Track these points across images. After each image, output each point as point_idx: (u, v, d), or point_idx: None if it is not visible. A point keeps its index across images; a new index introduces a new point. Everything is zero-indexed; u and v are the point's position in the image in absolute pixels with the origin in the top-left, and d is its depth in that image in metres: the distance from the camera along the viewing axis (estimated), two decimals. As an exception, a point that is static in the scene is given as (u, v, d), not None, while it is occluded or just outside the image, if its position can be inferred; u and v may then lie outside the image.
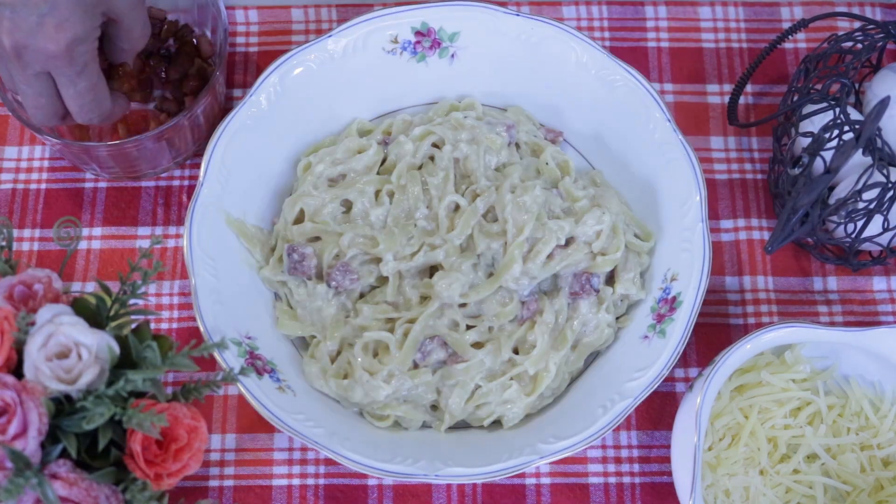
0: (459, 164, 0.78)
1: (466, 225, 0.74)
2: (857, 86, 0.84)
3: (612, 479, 0.75)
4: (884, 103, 0.70)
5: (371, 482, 0.75)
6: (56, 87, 0.71)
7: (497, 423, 0.74)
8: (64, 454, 0.54)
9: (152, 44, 0.85)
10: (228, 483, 0.75)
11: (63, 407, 0.54)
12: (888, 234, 0.76)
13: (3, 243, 0.62)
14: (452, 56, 0.82)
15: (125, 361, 0.56)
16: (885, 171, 0.73)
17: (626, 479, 0.75)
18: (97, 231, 0.82)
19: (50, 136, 0.77)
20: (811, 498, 0.71)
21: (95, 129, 0.83)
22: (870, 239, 0.75)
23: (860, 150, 0.73)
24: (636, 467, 0.75)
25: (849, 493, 0.72)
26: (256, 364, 0.72)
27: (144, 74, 0.85)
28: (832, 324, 0.79)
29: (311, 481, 0.75)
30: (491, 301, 0.74)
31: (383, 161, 0.80)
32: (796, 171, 0.77)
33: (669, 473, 0.74)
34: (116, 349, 0.55)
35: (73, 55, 0.68)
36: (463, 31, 0.81)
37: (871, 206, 0.72)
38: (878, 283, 0.81)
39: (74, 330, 0.54)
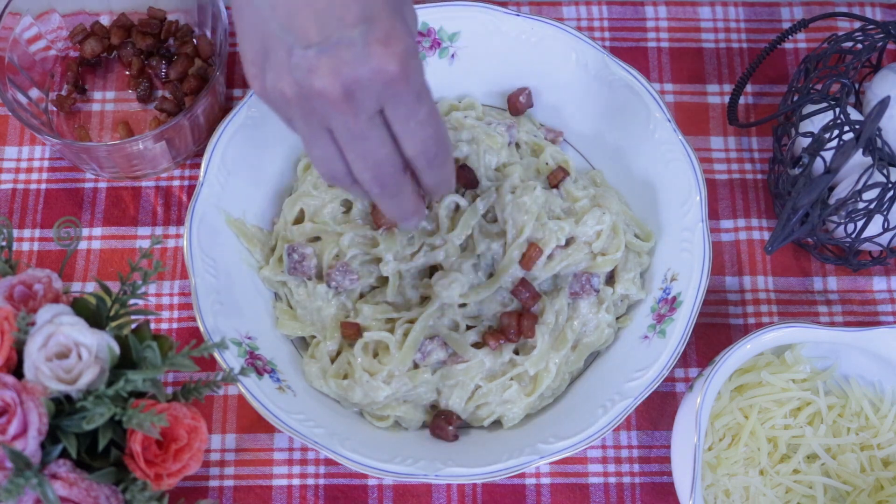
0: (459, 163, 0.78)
1: (466, 225, 0.74)
2: (857, 86, 0.84)
3: (612, 479, 0.75)
4: (884, 103, 0.70)
5: (371, 482, 0.75)
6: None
7: (497, 424, 0.74)
8: (64, 454, 0.54)
9: (152, 44, 0.86)
10: (228, 483, 0.75)
11: (63, 407, 0.54)
12: (888, 234, 0.76)
13: (3, 243, 0.62)
14: (452, 56, 0.82)
15: (125, 361, 0.56)
16: (885, 171, 0.73)
17: (626, 479, 0.75)
18: (97, 231, 0.82)
19: (50, 135, 0.77)
20: (811, 498, 0.71)
21: (96, 129, 0.83)
22: (870, 239, 0.75)
23: (860, 150, 0.73)
24: (636, 467, 0.75)
25: (849, 493, 0.72)
26: (256, 364, 0.72)
27: (145, 74, 0.86)
28: (832, 324, 0.79)
29: (311, 481, 0.75)
30: (491, 301, 0.74)
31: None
32: (796, 171, 0.77)
33: (669, 473, 0.74)
34: (116, 349, 0.55)
35: (408, 74, 0.54)
36: (463, 31, 0.81)
37: (871, 206, 0.72)
38: (878, 283, 0.81)
39: (74, 330, 0.54)
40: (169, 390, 0.58)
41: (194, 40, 0.86)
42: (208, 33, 0.85)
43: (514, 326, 0.72)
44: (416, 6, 0.80)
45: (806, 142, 0.77)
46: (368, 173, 0.58)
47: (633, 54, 0.87)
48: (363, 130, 0.56)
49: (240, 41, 0.58)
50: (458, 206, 0.76)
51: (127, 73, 0.87)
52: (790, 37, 0.83)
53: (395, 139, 0.57)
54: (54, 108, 0.84)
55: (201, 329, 0.71)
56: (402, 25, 0.54)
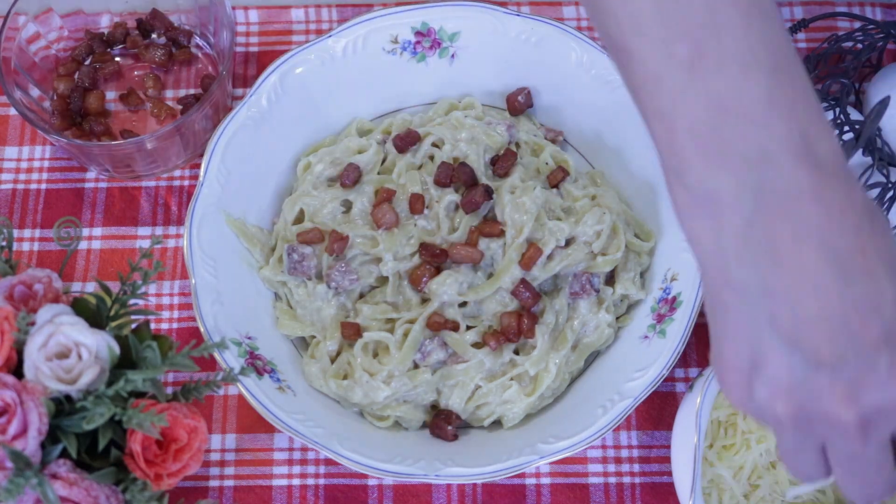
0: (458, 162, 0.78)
1: (467, 225, 0.74)
2: (857, 86, 0.84)
3: (612, 479, 0.75)
4: (884, 103, 0.70)
5: (371, 482, 0.75)
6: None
7: (497, 424, 0.74)
8: (64, 454, 0.54)
9: (154, 48, 0.86)
10: (228, 483, 0.75)
11: (63, 407, 0.54)
12: (888, 234, 0.76)
13: (3, 243, 0.62)
14: (452, 56, 0.82)
15: (125, 361, 0.56)
16: (885, 171, 0.73)
17: (626, 479, 0.75)
18: (97, 231, 0.82)
19: (57, 135, 0.77)
20: (823, 493, 0.71)
21: (96, 130, 0.83)
22: (870, 239, 0.75)
23: (860, 150, 0.73)
24: (636, 467, 0.75)
25: None
26: (256, 364, 0.72)
27: (151, 74, 0.86)
28: (832, 324, 0.79)
29: (311, 481, 0.75)
30: (491, 301, 0.74)
31: (383, 161, 0.80)
32: (796, 171, 0.77)
33: (669, 473, 0.74)
34: (116, 349, 0.55)
35: None
36: (463, 31, 0.81)
37: (871, 206, 0.72)
38: (878, 283, 0.80)
39: (74, 330, 0.54)
40: (169, 390, 0.58)
41: (196, 41, 0.86)
42: (210, 34, 0.86)
43: (514, 326, 0.72)
44: (416, 6, 0.80)
45: (806, 142, 0.77)
46: (856, 487, 0.52)
47: (633, 54, 0.87)
48: (869, 456, 0.49)
49: (719, 339, 0.50)
50: (458, 206, 0.76)
51: (135, 74, 0.87)
52: (790, 37, 0.83)
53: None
54: (58, 109, 0.84)
55: (201, 329, 0.71)
56: None
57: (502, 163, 0.77)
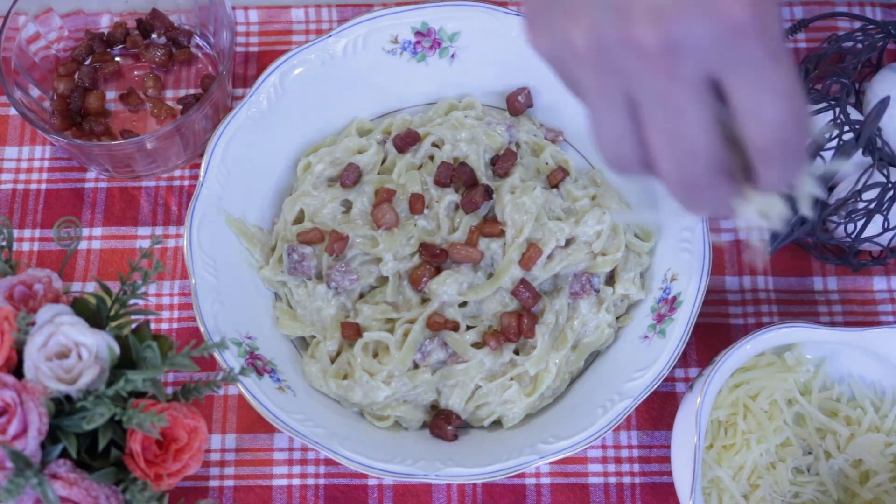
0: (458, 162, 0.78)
1: (467, 225, 0.74)
2: (857, 86, 0.84)
3: (612, 479, 0.75)
4: (884, 103, 0.70)
5: (371, 482, 0.75)
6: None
7: (497, 424, 0.74)
8: (64, 454, 0.54)
9: (154, 48, 0.86)
10: (228, 483, 0.75)
11: (63, 407, 0.54)
12: (888, 234, 0.76)
13: (3, 243, 0.62)
14: (452, 56, 0.82)
15: (125, 361, 0.56)
16: (885, 171, 0.73)
17: (626, 479, 0.75)
18: (97, 231, 0.82)
19: (57, 135, 0.77)
20: (824, 492, 0.71)
21: (96, 130, 0.83)
22: (870, 239, 0.75)
23: (860, 150, 0.73)
24: (636, 467, 0.75)
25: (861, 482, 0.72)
26: (256, 364, 0.72)
27: (151, 74, 0.86)
28: (832, 324, 0.79)
29: (311, 481, 0.75)
30: (491, 301, 0.74)
31: (383, 161, 0.80)
32: (796, 171, 0.77)
33: (669, 473, 0.74)
34: (116, 349, 0.55)
35: (764, 23, 0.40)
36: (463, 31, 0.81)
37: (871, 206, 0.72)
38: (878, 283, 0.81)
39: (74, 330, 0.54)
40: (169, 390, 0.58)
41: (197, 41, 0.86)
42: (210, 34, 0.85)
43: (514, 326, 0.72)
44: (416, 6, 0.80)
45: (806, 142, 0.77)
46: (673, 163, 0.44)
47: (633, 54, 0.87)
48: (681, 102, 0.42)
49: None
50: (457, 206, 0.76)
51: (135, 74, 0.87)
52: (790, 37, 0.83)
53: (718, 123, 0.43)
54: (58, 109, 0.84)
55: (201, 329, 0.71)
56: None
57: (502, 163, 0.77)
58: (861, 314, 0.80)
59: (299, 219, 0.78)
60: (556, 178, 0.78)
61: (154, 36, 0.87)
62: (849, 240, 0.76)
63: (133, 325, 0.59)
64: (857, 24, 0.85)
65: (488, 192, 0.75)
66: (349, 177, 0.77)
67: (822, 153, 0.75)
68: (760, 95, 0.41)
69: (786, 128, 0.42)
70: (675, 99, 0.42)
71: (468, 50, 0.81)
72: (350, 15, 0.87)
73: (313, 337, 0.75)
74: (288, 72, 0.79)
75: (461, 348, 0.73)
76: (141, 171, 0.82)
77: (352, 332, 0.73)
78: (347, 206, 0.77)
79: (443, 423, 0.73)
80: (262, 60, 0.87)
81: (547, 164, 0.79)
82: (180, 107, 0.84)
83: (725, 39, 0.40)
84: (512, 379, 0.73)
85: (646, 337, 0.74)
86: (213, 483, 0.75)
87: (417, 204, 0.75)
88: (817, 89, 0.78)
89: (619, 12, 0.41)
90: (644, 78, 0.42)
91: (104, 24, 0.87)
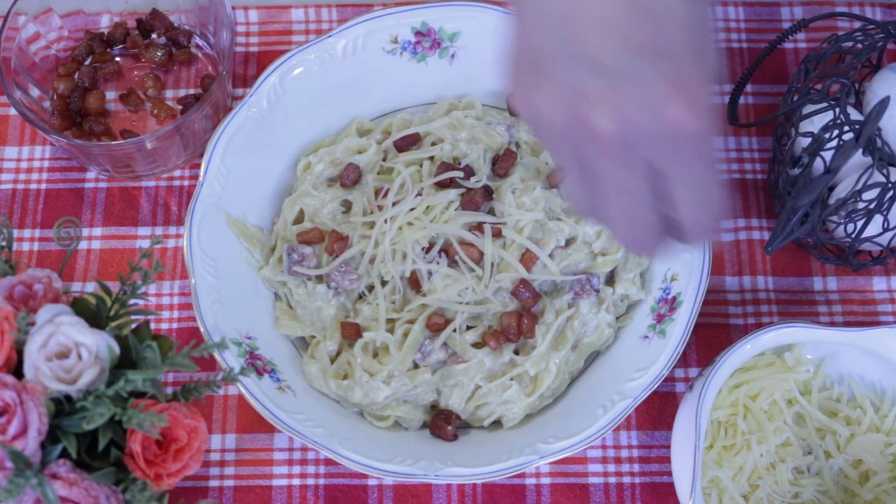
0: (459, 163, 0.78)
1: (466, 226, 0.74)
2: (857, 86, 0.84)
3: (612, 479, 0.75)
4: (884, 103, 0.70)
5: (371, 482, 0.75)
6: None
7: (497, 424, 0.74)
8: (64, 454, 0.54)
9: (154, 48, 0.86)
10: (228, 483, 0.75)
11: (63, 407, 0.54)
12: (888, 234, 0.76)
13: (3, 243, 0.62)
14: (452, 56, 0.82)
15: (125, 361, 0.56)
16: (885, 171, 0.73)
17: (626, 479, 0.75)
18: (97, 231, 0.82)
19: (57, 135, 0.77)
20: (824, 493, 0.71)
21: (96, 130, 0.83)
22: (870, 239, 0.75)
23: (860, 150, 0.73)
24: (636, 467, 0.75)
25: (861, 482, 0.72)
26: (256, 364, 0.72)
27: (151, 74, 0.86)
28: (832, 324, 0.79)
29: (311, 481, 0.75)
30: (491, 301, 0.74)
31: (383, 161, 0.80)
32: (796, 171, 0.77)
33: (669, 473, 0.74)
34: (116, 349, 0.55)
35: (707, 136, 0.47)
36: (463, 31, 0.81)
37: (871, 206, 0.72)
38: (878, 283, 0.81)
39: (74, 330, 0.54)
40: (169, 390, 0.58)
41: (196, 41, 0.86)
42: (210, 34, 0.86)
43: (514, 326, 0.72)
44: (416, 6, 0.80)
45: (806, 142, 0.77)
46: (622, 223, 0.52)
47: (633, 54, 0.87)
48: (630, 186, 0.49)
49: (513, 37, 0.50)
50: (458, 206, 0.76)
51: (135, 74, 0.87)
52: (790, 37, 0.83)
53: (658, 198, 0.50)
54: (58, 109, 0.84)
55: (201, 329, 0.71)
56: (705, 71, 0.46)
57: (502, 163, 0.77)
58: (861, 314, 0.80)
59: (299, 219, 0.78)
60: (556, 178, 0.78)
61: (154, 36, 0.87)
62: (849, 240, 0.76)
63: (133, 325, 0.59)
64: (857, 24, 0.85)
65: (488, 192, 0.75)
66: (349, 177, 0.77)
67: (822, 153, 0.75)
68: (690, 191, 0.49)
69: (707, 216, 0.51)
70: (625, 181, 0.49)
71: (468, 50, 0.81)
72: (350, 15, 0.87)
73: (313, 337, 0.75)
74: (288, 72, 0.79)
75: (461, 348, 0.73)
76: (141, 171, 0.82)
77: (352, 332, 0.73)
78: (347, 206, 0.77)
79: (443, 423, 0.73)
80: (262, 60, 0.87)
81: (547, 164, 0.79)
82: (180, 107, 0.84)
83: (671, 143, 0.46)
84: (512, 379, 0.73)
85: (646, 337, 0.74)
86: (213, 483, 0.75)
87: None
88: (817, 89, 0.78)
89: (577, 95, 0.46)
90: (600, 157, 0.48)
91: (104, 24, 0.87)
